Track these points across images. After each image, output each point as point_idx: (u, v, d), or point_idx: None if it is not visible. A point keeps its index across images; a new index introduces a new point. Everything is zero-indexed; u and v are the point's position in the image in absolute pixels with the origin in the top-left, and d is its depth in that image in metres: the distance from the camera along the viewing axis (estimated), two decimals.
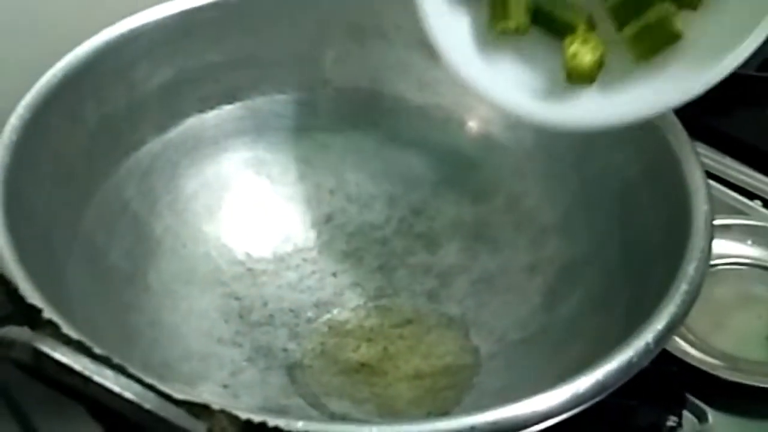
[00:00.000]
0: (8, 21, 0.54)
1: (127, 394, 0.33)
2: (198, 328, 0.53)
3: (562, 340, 0.51)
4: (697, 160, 0.49)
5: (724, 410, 0.53)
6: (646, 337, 0.40)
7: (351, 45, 0.59)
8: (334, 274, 0.57)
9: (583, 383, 0.38)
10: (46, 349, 0.33)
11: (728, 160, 0.70)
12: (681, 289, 0.42)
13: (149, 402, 0.33)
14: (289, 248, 0.58)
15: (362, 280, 0.57)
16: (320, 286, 0.57)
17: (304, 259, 0.58)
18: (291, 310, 0.55)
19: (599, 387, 0.38)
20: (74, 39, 0.52)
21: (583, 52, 0.47)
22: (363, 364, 0.53)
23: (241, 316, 0.54)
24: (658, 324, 0.40)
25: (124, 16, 0.53)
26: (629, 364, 0.39)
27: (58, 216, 0.49)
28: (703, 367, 0.53)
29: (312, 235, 0.59)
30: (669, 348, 0.54)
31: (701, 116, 0.66)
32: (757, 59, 0.80)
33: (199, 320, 0.53)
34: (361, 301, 0.56)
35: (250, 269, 0.56)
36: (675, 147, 0.50)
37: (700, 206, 0.46)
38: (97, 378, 0.33)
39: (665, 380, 0.53)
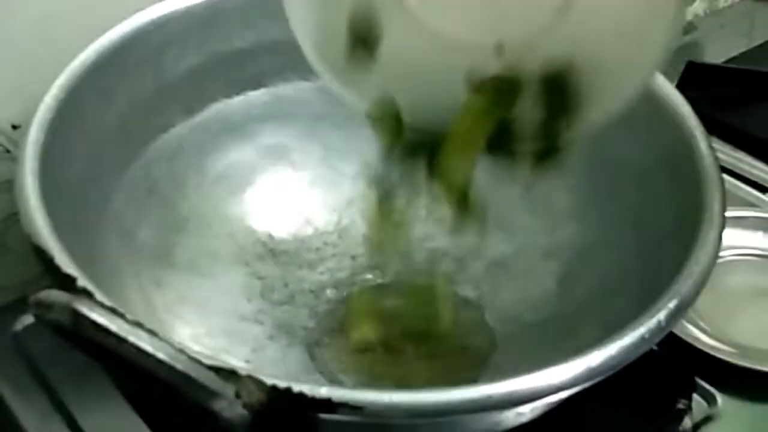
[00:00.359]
0: (44, 6, 0.55)
1: (160, 355, 0.35)
2: (222, 305, 0.54)
3: (577, 322, 0.52)
4: (710, 148, 0.50)
5: (732, 395, 0.54)
6: (659, 315, 0.41)
7: None
8: (353, 257, 0.59)
9: (596, 357, 0.39)
10: (84, 309, 0.34)
11: (742, 155, 0.71)
12: (693, 270, 0.43)
13: (181, 363, 0.35)
14: (309, 231, 0.60)
15: (381, 263, 0.59)
16: (339, 267, 0.58)
17: (325, 242, 0.59)
18: (311, 291, 0.57)
19: (612, 362, 0.40)
20: (107, 24, 0.54)
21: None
22: (381, 343, 0.54)
23: (262, 295, 0.56)
24: (670, 303, 0.42)
25: (154, 2, 0.55)
26: (641, 340, 0.40)
27: (90, 194, 0.50)
28: (714, 353, 0.55)
29: (333, 218, 0.60)
30: (681, 334, 0.56)
31: (716, 112, 0.67)
32: None
33: (223, 298, 0.55)
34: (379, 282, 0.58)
35: (271, 250, 0.58)
36: (689, 136, 0.51)
37: (713, 192, 0.47)
38: (132, 339, 0.34)
39: (676, 365, 0.54)
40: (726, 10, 0.93)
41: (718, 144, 0.71)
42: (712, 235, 0.45)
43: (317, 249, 0.59)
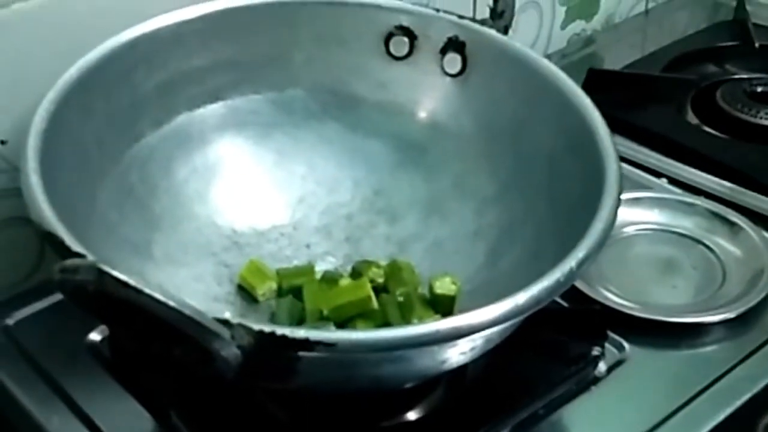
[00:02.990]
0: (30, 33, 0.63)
1: (171, 303, 0.42)
2: (196, 289, 0.62)
3: (504, 288, 0.60)
4: (608, 132, 0.59)
5: (637, 342, 0.63)
6: (570, 263, 0.50)
7: (317, 51, 0.69)
8: (308, 246, 0.67)
9: (522, 297, 0.48)
10: (106, 268, 0.41)
11: (638, 147, 0.81)
12: (597, 226, 0.52)
13: (188, 310, 0.43)
14: (268, 225, 0.67)
15: (332, 250, 0.67)
16: (296, 255, 0.67)
17: (282, 234, 0.67)
18: None
19: (535, 300, 0.48)
20: (81, 51, 0.61)
21: None
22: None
23: (231, 280, 0.64)
24: (579, 253, 0.51)
25: (127, 26, 0.62)
26: (558, 283, 0.49)
27: (79, 195, 0.57)
28: (621, 309, 0.64)
29: (287, 213, 0.68)
30: (594, 296, 0.65)
31: (615, 111, 0.77)
32: (662, 62, 0.92)
33: (197, 283, 0.62)
34: (332, 267, 0.66)
35: (236, 242, 0.66)
36: (590, 123, 0.60)
37: (612, 166, 0.57)
38: (147, 290, 0.42)
39: (591, 320, 0.63)
40: (621, 25, 1.05)
41: (618, 138, 0.80)
42: (611, 197, 0.54)
43: (276, 240, 0.67)
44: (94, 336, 0.63)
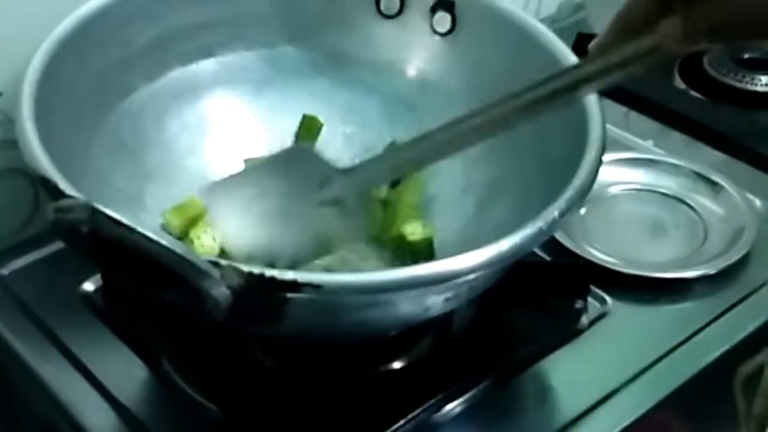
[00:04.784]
0: None
1: (163, 242, 0.43)
2: None
3: (491, 240, 0.62)
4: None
5: (618, 297, 0.65)
6: (553, 212, 0.51)
7: (309, 9, 0.69)
8: None
9: (505, 243, 0.49)
10: (100, 207, 0.43)
11: (626, 110, 0.82)
12: (579, 177, 0.53)
13: (179, 248, 0.44)
14: None
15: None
16: None
17: None
18: None
19: (517, 247, 0.50)
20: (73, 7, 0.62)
21: None
22: None
23: None
24: (562, 202, 0.52)
25: None
26: (540, 231, 0.50)
27: (73, 146, 0.58)
28: (604, 264, 0.66)
29: None
30: (578, 251, 0.66)
31: None
32: None
33: None
34: None
35: None
36: None
37: (596, 122, 0.58)
38: (140, 228, 0.43)
39: (574, 275, 0.65)
40: None
41: (610, 102, 0.82)
42: (594, 149, 0.55)
43: None
44: (88, 286, 0.64)
